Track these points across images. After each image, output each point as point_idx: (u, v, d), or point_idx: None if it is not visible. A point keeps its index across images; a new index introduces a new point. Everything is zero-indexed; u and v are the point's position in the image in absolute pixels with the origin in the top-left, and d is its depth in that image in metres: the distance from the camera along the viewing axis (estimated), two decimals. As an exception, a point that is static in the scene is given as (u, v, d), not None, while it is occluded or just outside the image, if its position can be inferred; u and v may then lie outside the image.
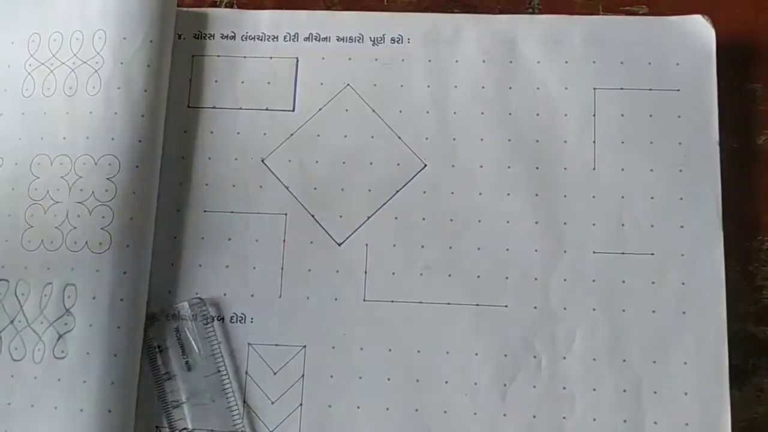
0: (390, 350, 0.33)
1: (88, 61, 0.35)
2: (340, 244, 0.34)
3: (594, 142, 0.35)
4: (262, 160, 0.35)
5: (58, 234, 0.33)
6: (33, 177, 0.34)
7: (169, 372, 0.33)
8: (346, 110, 0.36)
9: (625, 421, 0.32)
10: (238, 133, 0.35)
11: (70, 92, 0.35)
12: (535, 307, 0.33)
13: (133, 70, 0.35)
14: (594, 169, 0.34)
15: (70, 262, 0.33)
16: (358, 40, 0.36)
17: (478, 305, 0.33)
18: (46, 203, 0.34)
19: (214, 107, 0.36)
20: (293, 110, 0.36)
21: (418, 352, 0.33)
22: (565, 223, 0.34)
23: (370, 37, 0.36)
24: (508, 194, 0.34)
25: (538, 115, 0.35)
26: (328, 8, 0.38)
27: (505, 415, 0.32)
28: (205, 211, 0.35)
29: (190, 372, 0.33)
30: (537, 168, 0.35)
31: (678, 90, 0.35)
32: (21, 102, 0.35)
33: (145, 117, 0.34)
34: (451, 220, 0.34)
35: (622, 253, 0.34)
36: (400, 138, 0.35)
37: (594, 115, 0.35)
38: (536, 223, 0.34)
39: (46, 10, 0.36)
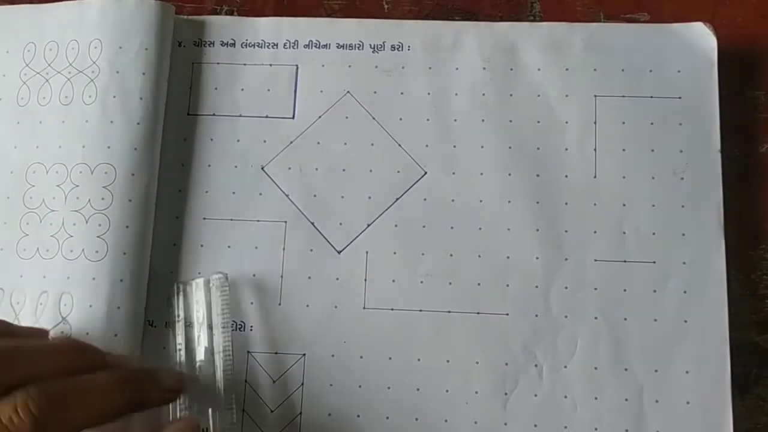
0: (390, 358, 0.33)
1: (84, 70, 0.35)
2: (339, 252, 0.34)
3: (595, 149, 0.35)
4: (262, 168, 0.35)
5: (54, 242, 0.33)
6: (28, 185, 0.34)
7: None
8: (346, 117, 0.35)
9: (627, 430, 0.32)
10: (238, 140, 0.35)
11: (66, 101, 0.35)
12: (536, 315, 0.33)
13: (129, 78, 0.35)
14: (595, 176, 0.34)
15: (66, 270, 0.33)
16: (358, 48, 0.36)
17: (478, 313, 0.33)
18: (42, 211, 0.34)
19: (213, 114, 0.36)
20: (293, 117, 0.36)
21: (419, 360, 0.33)
22: (566, 231, 0.34)
23: (370, 45, 0.36)
24: (509, 202, 0.34)
25: (538, 122, 0.35)
26: (328, 15, 0.38)
27: (506, 424, 0.32)
28: (204, 218, 0.35)
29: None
30: (538, 175, 0.34)
31: (679, 97, 0.35)
32: (16, 111, 0.35)
33: (141, 125, 0.34)
34: (452, 227, 0.34)
35: (624, 261, 0.33)
36: (400, 145, 0.35)
37: (595, 123, 0.35)
38: (537, 230, 0.34)
39: (41, 20, 0.36)
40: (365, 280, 0.34)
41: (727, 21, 0.36)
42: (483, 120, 0.35)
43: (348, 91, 0.36)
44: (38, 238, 0.33)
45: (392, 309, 0.33)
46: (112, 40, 0.35)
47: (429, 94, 0.35)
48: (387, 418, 0.32)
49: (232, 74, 0.36)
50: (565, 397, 0.32)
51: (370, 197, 0.35)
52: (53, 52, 0.36)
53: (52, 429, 0.25)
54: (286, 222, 0.34)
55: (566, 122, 0.35)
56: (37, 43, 0.36)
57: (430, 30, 0.36)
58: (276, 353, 0.33)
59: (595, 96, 0.35)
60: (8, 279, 0.33)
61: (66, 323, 0.32)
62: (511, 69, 0.36)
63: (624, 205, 0.34)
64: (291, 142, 0.35)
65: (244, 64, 0.36)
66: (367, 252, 0.34)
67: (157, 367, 0.32)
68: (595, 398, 0.32)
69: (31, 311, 0.33)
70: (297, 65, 0.36)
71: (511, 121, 0.35)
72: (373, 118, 0.35)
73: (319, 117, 0.36)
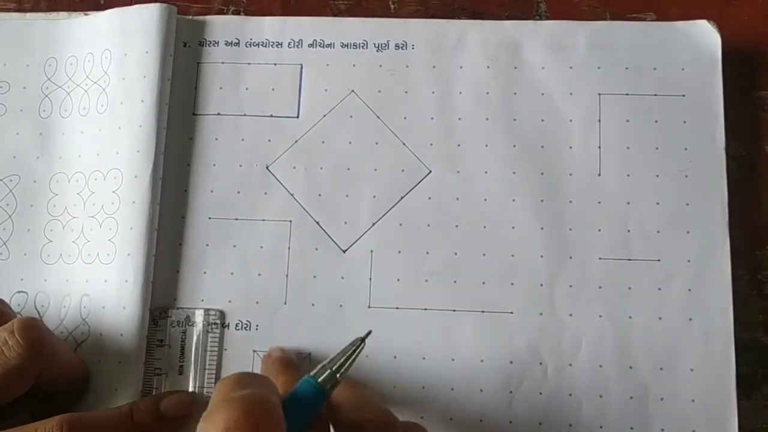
0: (395, 357, 0.33)
1: (97, 81, 0.36)
2: (344, 251, 0.34)
3: (599, 147, 0.35)
4: (267, 167, 0.35)
5: (75, 247, 0.34)
6: (52, 194, 0.35)
7: (161, 368, 0.33)
8: (351, 116, 0.36)
9: (631, 428, 0.32)
10: (243, 139, 0.36)
11: (84, 112, 0.36)
12: (541, 314, 0.33)
13: (132, 83, 0.35)
14: (599, 174, 0.34)
15: (84, 273, 0.34)
16: (363, 47, 0.36)
17: (483, 312, 0.33)
18: (65, 219, 0.35)
19: (218, 114, 0.36)
20: (298, 117, 0.36)
21: (424, 359, 0.33)
22: (570, 229, 0.34)
23: (375, 44, 0.36)
24: (514, 200, 0.34)
25: (542, 120, 0.35)
26: (335, 15, 0.38)
27: (511, 422, 0.32)
28: (210, 217, 0.35)
29: (180, 376, 0.33)
30: (542, 174, 0.34)
31: (683, 95, 0.35)
32: (38, 122, 0.36)
33: (142, 127, 0.34)
34: (456, 226, 0.34)
35: (628, 260, 0.33)
36: (404, 144, 0.35)
37: (599, 121, 0.35)
38: (542, 228, 0.34)
39: (60, 34, 0.37)
40: (370, 279, 0.34)
41: (734, 21, 0.36)
42: (487, 118, 0.35)
43: (352, 90, 0.36)
44: (61, 244, 0.34)
45: (397, 308, 0.34)
46: (119, 48, 0.36)
47: (433, 92, 0.36)
48: (392, 416, 0.33)
49: (237, 74, 0.36)
50: (570, 395, 0.32)
51: (374, 196, 0.35)
52: (73, 66, 0.36)
53: None
54: (291, 221, 0.35)
55: (570, 120, 0.35)
56: (58, 58, 0.37)
57: (434, 29, 0.36)
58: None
59: (599, 94, 0.35)
60: (32, 283, 0.34)
61: (86, 324, 0.33)
62: (515, 67, 0.36)
63: (628, 203, 0.34)
64: (296, 142, 0.35)
65: (249, 64, 0.36)
66: (371, 251, 0.34)
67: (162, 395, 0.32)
68: (600, 396, 0.32)
69: (56, 314, 0.34)
70: (301, 64, 0.36)
71: (515, 119, 0.35)
72: (378, 117, 0.35)
73: (324, 116, 0.36)
